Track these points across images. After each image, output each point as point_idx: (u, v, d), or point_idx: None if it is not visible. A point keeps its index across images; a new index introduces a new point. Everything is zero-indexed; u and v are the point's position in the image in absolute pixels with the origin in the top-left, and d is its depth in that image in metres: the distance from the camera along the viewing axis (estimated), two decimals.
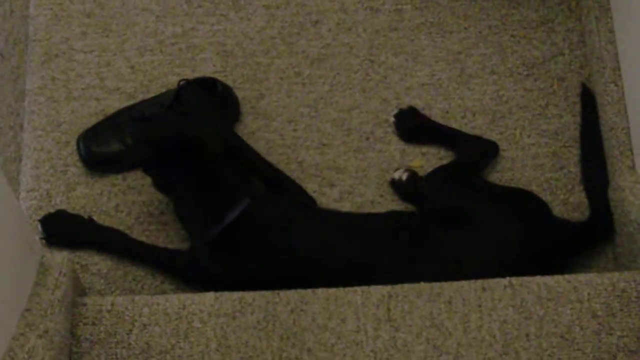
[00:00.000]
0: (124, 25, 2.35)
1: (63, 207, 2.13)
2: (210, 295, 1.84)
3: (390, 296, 1.83)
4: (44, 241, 2.08)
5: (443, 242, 1.96)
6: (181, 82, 2.18)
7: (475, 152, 2.19)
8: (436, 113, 2.26)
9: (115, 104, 2.25)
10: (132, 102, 2.24)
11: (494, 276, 1.86)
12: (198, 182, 1.96)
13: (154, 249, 2.08)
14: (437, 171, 2.14)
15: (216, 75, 2.26)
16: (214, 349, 1.79)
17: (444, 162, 2.19)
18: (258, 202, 1.98)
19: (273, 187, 2.10)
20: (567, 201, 2.15)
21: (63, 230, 2.10)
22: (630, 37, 2.09)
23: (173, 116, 2.06)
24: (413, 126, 2.23)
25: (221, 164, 1.98)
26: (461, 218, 1.98)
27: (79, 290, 1.90)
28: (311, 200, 2.14)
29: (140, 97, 2.25)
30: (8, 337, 1.61)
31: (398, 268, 1.94)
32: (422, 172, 2.15)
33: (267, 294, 1.84)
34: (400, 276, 1.89)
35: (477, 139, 2.21)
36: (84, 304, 1.83)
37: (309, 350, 1.79)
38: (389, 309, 1.82)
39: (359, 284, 1.87)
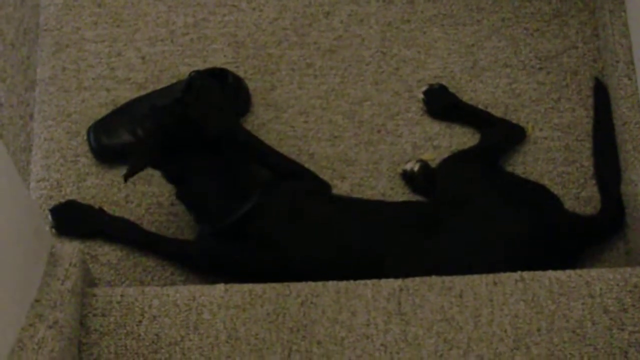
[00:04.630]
0: (135, 15, 2.35)
1: (73, 197, 2.13)
2: (220, 287, 1.84)
3: (401, 289, 1.82)
4: (54, 230, 2.08)
5: (452, 232, 1.95)
6: (192, 73, 2.17)
7: (500, 135, 2.19)
8: None
9: (125, 94, 2.24)
10: (142, 92, 2.23)
11: (504, 269, 1.86)
12: (208, 171, 1.95)
13: (164, 240, 2.08)
14: (452, 158, 2.13)
15: (227, 66, 2.25)
16: (224, 340, 1.78)
17: None
18: (268, 191, 1.98)
19: (285, 177, 2.10)
20: (579, 195, 2.14)
21: (73, 220, 2.10)
22: None
23: (190, 108, 2.04)
24: (442, 104, 2.23)
25: (232, 154, 1.98)
26: (471, 209, 1.97)
27: (89, 281, 1.90)
28: (326, 186, 2.13)
29: (151, 87, 2.25)
30: (18, 328, 1.61)
31: (407, 256, 1.94)
32: (433, 165, 2.14)
33: (278, 286, 1.83)
34: (409, 265, 1.90)
35: (504, 122, 2.20)
36: (94, 295, 1.83)
37: (319, 343, 1.78)
38: (399, 303, 1.81)
39: (369, 272, 1.87)
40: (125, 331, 1.80)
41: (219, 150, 1.95)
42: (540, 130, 2.21)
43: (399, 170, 2.17)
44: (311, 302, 1.81)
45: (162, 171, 2.00)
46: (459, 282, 1.83)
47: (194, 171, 1.95)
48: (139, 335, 1.79)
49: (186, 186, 1.99)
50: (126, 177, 1.92)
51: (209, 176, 1.96)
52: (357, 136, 2.21)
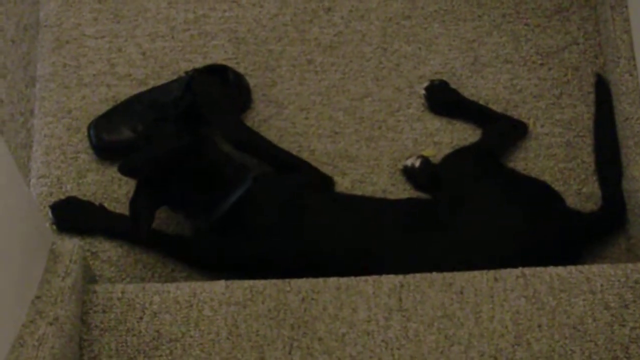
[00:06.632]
0: (135, 11, 2.35)
1: (74, 193, 2.13)
2: (221, 284, 1.83)
3: (401, 286, 1.82)
4: (54, 227, 2.08)
5: (453, 229, 1.95)
6: (190, 72, 2.16)
7: (502, 131, 2.18)
8: None
9: (126, 90, 2.24)
10: (143, 88, 2.23)
11: (505, 266, 1.86)
12: (197, 177, 1.96)
13: (164, 236, 2.08)
14: (453, 154, 2.13)
15: (228, 62, 2.25)
16: (225, 337, 1.78)
17: None
18: (262, 181, 1.98)
19: (286, 172, 2.10)
20: (581, 191, 2.13)
21: (74, 216, 2.10)
22: None
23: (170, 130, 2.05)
24: (443, 100, 2.22)
25: (220, 158, 1.98)
26: (472, 205, 1.97)
27: (90, 278, 1.90)
28: (329, 181, 2.13)
29: (152, 83, 2.25)
30: (18, 325, 1.61)
31: (405, 253, 1.94)
32: (434, 161, 2.14)
33: (278, 282, 1.83)
34: (408, 262, 1.89)
35: (506, 118, 2.20)
36: (95, 292, 1.83)
37: (320, 339, 1.78)
38: (400, 299, 1.81)
39: (366, 269, 1.86)
40: (125, 328, 1.79)
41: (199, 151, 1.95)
42: (542, 126, 2.20)
43: (400, 166, 2.16)
44: (312, 299, 1.81)
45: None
46: (460, 278, 1.83)
47: (176, 178, 1.96)
48: (140, 331, 1.79)
49: (170, 194, 1.99)
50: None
51: (191, 177, 1.96)
52: (358, 132, 2.21)
